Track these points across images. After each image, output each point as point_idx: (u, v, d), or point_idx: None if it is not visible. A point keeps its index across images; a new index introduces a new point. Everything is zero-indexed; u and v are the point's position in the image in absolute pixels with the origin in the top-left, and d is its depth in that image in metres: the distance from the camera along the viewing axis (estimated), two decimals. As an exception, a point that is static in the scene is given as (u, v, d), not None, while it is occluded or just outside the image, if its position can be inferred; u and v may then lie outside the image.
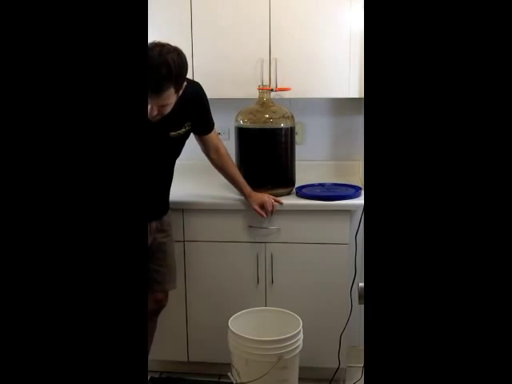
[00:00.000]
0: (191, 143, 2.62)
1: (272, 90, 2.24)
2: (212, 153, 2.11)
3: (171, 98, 1.71)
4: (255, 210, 2.11)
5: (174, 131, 1.91)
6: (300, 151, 2.41)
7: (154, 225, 1.98)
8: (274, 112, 2.22)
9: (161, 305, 2.13)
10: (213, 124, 2.09)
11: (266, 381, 1.88)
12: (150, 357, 2.11)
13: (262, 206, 2.12)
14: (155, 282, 2.05)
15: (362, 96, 2.13)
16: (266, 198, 2.13)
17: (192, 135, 2.05)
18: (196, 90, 1.96)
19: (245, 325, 2.03)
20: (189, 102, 1.90)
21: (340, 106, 2.58)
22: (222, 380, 2.32)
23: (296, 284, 2.22)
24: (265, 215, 2.12)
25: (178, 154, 2.04)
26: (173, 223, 2.15)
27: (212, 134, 2.09)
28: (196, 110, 1.97)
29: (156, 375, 2.38)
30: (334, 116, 2.61)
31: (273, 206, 2.13)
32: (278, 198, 2.17)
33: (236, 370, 1.97)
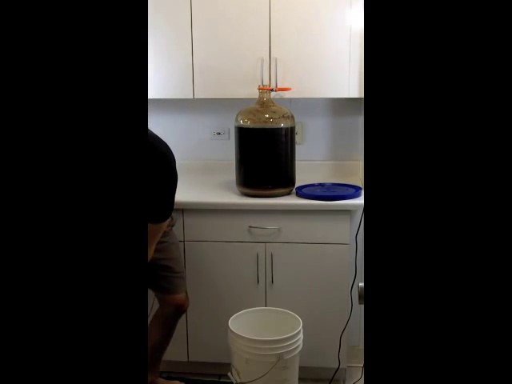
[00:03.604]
0: (191, 143, 2.63)
1: (272, 90, 2.24)
2: None
3: None
4: None
5: None
6: (300, 151, 2.42)
7: None
8: (274, 112, 2.22)
9: (181, 310, 2.11)
10: (165, 216, 1.75)
11: (266, 381, 1.88)
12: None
13: None
14: (163, 286, 2.04)
15: (362, 96, 2.13)
16: None
17: None
18: (162, 159, 1.66)
19: (245, 325, 2.03)
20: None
21: (340, 106, 2.58)
22: (222, 380, 2.33)
23: (296, 284, 2.22)
24: None
25: None
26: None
27: (153, 227, 1.71)
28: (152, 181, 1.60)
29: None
30: (333, 116, 2.61)
31: None
32: None
33: (236, 369, 1.97)
